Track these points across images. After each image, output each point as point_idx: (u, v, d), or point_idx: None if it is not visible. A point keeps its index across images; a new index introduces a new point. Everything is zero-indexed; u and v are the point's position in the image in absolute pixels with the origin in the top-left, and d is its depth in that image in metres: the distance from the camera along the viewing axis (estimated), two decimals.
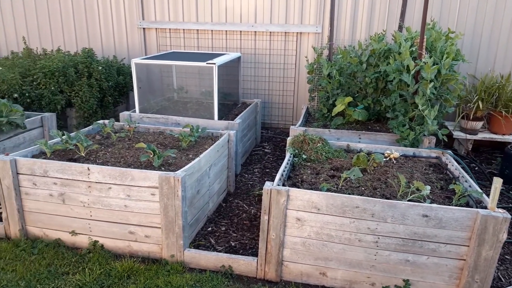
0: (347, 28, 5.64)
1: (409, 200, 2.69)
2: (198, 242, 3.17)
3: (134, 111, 4.70)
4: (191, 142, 3.66)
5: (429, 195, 2.80)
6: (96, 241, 3.05)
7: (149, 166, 3.10)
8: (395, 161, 3.42)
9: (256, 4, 5.77)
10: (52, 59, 4.65)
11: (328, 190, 2.80)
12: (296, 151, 3.50)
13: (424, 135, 4.04)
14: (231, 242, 3.20)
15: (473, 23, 5.32)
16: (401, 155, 3.62)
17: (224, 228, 3.41)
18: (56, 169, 2.93)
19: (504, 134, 5.22)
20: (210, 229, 3.40)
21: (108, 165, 3.08)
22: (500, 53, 5.38)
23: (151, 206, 2.88)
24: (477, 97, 5.06)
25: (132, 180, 2.85)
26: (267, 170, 4.81)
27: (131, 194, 2.89)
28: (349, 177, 2.95)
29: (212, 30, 5.96)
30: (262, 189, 4.24)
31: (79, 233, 3.08)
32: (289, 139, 3.69)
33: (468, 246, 2.52)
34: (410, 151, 3.69)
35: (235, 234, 3.32)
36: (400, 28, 4.95)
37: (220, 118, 4.58)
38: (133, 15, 6.10)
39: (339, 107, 4.61)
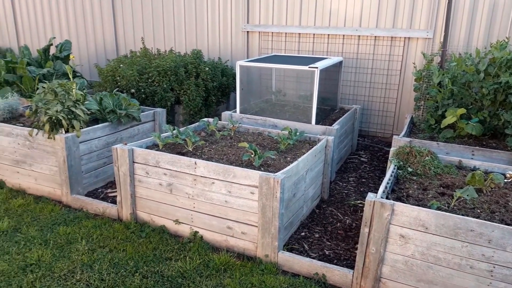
0: (462, 34, 5.19)
1: None
2: (292, 245, 3.17)
3: (235, 111, 4.86)
4: (289, 145, 3.67)
5: None
6: (196, 232, 3.21)
7: (249, 165, 3.18)
8: None
9: (362, 7, 5.60)
10: (165, 59, 5.04)
11: (438, 208, 2.59)
12: (401, 163, 3.30)
13: None
14: (325, 250, 3.14)
15: None
16: None
17: (317, 235, 3.36)
18: (167, 160, 3.15)
19: None
20: (303, 234, 3.37)
21: (212, 161, 3.22)
22: None
23: (250, 204, 2.95)
24: None
25: (234, 178, 2.94)
26: (363, 180, 4.63)
27: (232, 190, 2.98)
28: (463, 197, 2.69)
29: (314, 34, 5.94)
30: (357, 199, 4.10)
31: (182, 223, 3.27)
32: (393, 150, 3.50)
33: None
34: None
35: (329, 243, 3.25)
36: None
37: (317, 122, 4.53)
38: (239, 19, 6.34)
39: (449, 119, 4.25)
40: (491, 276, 2.37)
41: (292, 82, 4.79)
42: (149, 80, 4.85)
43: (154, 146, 3.56)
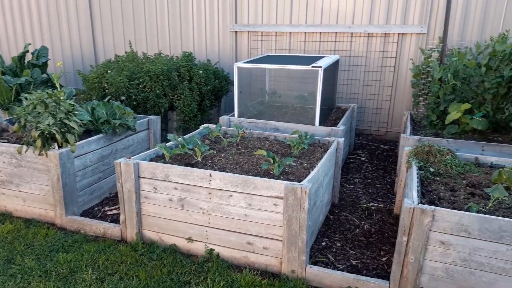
0: (456, 29, 5.16)
1: None
2: (316, 258, 2.97)
3: (233, 115, 4.63)
4: (303, 150, 3.48)
5: None
6: (212, 249, 2.97)
7: (267, 174, 2.96)
8: None
9: (355, 4, 5.49)
10: (156, 63, 4.74)
11: (478, 211, 2.46)
12: (422, 163, 3.17)
13: None
14: (351, 261, 2.96)
15: None
16: None
17: (339, 244, 3.18)
18: (177, 174, 2.89)
19: None
20: (324, 244, 3.19)
21: (226, 172, 2.99)
22: None
23: (273, 217, 2.73)
24: None
25: (255, 189, 2.72)
26: (368, 180, 4.50)
27: (252, 203, 2.76)
28: (500, 197, 2.58)
29: (305, 32, 5.78)
30: (368, 201, 3.96)
31: (196, 240, 3.01)
32: (409, 149, 3.37)
33: None
34: None
35: (353, 252, 3.07)
36: None
37: (320, 123, 4.37)
38: (226, 18, 6.10)
39: (454, 115, 4.18)
40: None
41: (294, 83, 4.61)
42: (140, 86, 4.54)
43: (158, 158, 3.28)
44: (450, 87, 4.35)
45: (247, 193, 2.75)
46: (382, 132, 5.95)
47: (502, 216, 2.43)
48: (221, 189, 2.81)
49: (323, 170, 3.17)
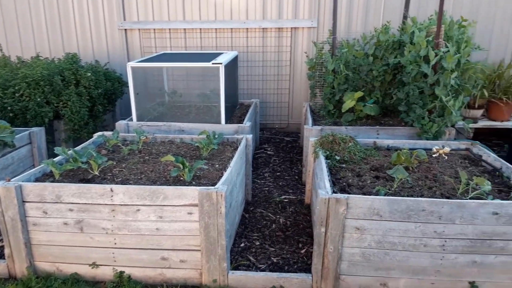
0: (343, 23, 5.47)
1: (472, 198, 2.52)
2: (238, 262, 2.85)
3: (131, 119, 4.27)
4: (213, 150, 3.32)
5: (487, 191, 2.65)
6: (121, 272, 2.65)
7: (177, 181, 2.74)
8: (446, 157, 3.26)
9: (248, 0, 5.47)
10: (34, 67, 4.12)
11: (386, 194, 2.58)
12: (328, 152, 3.25)
13: (447, 126, 3.93)
14: (272, 258, 2.90)
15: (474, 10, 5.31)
16: (428, 149, 3.47)
17: (258, 243, 3.10)
18: (72, 193, 2.50)
19: (503, 120, 5.23)
20: (243, 245, 3.08)
21: (129, 184, 2.69)
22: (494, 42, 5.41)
23: (188, 226, 2.53)
24: (480, 85, 5.03)
25: (165, 199, 2.49)
26: (277, 173, 4.53)
27: (164, 215, 2.52)
28: (404, 179, 2.73)
29: (201, 29, 5.60)
30: (280, 194, 3.97)
31: (101, 265, 2.66)
32: (314, 140, 3.43)
33: None
34: (438, 144, 3.55)
35: (273, 249, 3.02)
36: (405, 18, 4.82)
37: (226, 121, 4.26)
38: (113, 15, 5.61)
39: (349, 103, 4.42)
40: (443, 250, 2.44)
41: (192, 81, 4.40)
42: (17, 94, 3.90)
43: (46, 177, 2.82)
44: (343, 77, 4.58)
45: (157, 205, 2.50)
46: (284, 125, 6.08)
47: (407, 196, 2.58)
48: (126, 204, 2.51)
49: (236, 169, 3.05)
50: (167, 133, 4.12)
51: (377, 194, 2.60)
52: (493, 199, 2.50)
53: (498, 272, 2.47)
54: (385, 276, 2.55)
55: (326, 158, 3.20)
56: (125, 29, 5.64)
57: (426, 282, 2.54)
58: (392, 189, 2.68)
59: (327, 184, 2.59)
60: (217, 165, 3.05)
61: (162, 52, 5.34)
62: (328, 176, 2.77)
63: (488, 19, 5.33)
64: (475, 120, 5.20)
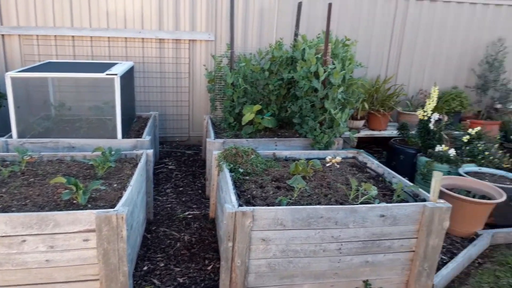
0: (239, 37, 5.62)
1: (362, 203, 2.77)
2: (142, 287, 2.69)
3: (11, 136, 3.78)
4: (110, 168, 3.10)
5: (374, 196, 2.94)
6: None
7: (70, 205, 2.49)
8: (337, 165, 3.51)
9: (143, 8, 5.29)
10: None
11: (288, 203, 2.69)
12: (232, 165, 3.28)
13: (335, 137, 4.27)
14: (178, 279, 2.81)
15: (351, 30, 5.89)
16: (321, 159, 3.73)
17: (163, 264, 2.98)
18: None
19: (381, 130, 5.90)
20: (146, 268, 2.93)
21: (12, 211, 2.36)
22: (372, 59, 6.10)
23: (84, 255, 2.32)
24: (362, 99, 5.60)
25: (56, 227, 2.24)
26: (180, 189, 4.43)
27: (56, 244, 2.27)
28: (302, 188, 2.89)
29: (91, 37, 5.23)
30: (184, 211, 3.89)
31: None
32: (218, 153, 3.45)
33: (417, 238, 2.72)
34: (329, 153, 3.84)
35: (178, 269, 2.93)
36: (296, 36, 5.15)
37: (123, 136, 4.03)
38: None
39: (248, 116, 4.54)
40: (340, 253, 2.64)
41: (83, 93, 4.06)
42: None
43: None
44: (242, 90, 4.69)
45: (47, 234, 2.24)
46: (184, 138, 5.99)
47: (307, 204, 2.73)
48: (9, 235, 2.20)
49: (136, 188, 2.90)
50: (55, 150, 3.75)
51: (279, 204, 2.71)
52: (379, 202, 2.78)
53: (387, 269, 2.75)
54: (290, 283, 2.65)
55: (230, 171, 3.23)
56: (2, 35, 5.00)
57: (326, 285, 2.70)
58: (293, 198, 2.81)
59: (233, 198, 2.61)
60: (115, 185, 2.86)
61: (47, 61, 4.85)
62: (234, 189, 2.80)
63: (366, 39, 5.97)
64: (358, 130, 5.77)
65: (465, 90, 6.25)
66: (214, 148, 4.02)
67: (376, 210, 2.60)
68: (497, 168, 4.24)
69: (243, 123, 4.57)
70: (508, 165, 4.36)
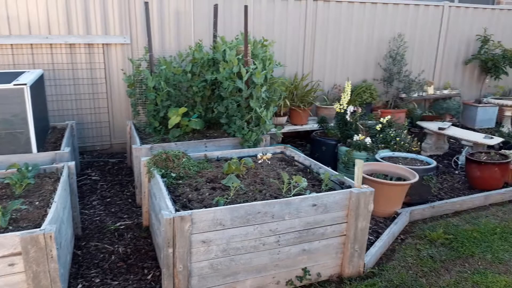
0: (157, 40, 5.50)
1: (294, 195, 2.90)
2: None
3: None
4: (29, 186, 2.85)
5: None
6: None
7: None
8: (268, 161, 3.61)
9: (49, 13, 4.93)
10: None
11: (225, 203, 2.72)
12: (163, 170, 3.22)
13: (263, 134, 4.40)
14: None
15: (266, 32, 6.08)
16: (252, 156, 3.83)
17: (98, 280, 2.83)
18: None
19: (302, 124, 6.19)
20: (80, 286, 2.75)
21: None
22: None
23: (11, 281, 2.12)
24: (283, 96, 5.82)
25: None
26: (107, 199, 4.22)
27: None
28: (238, 186, 2.93)
29: None
30: (115, 222, 3.72)
31: None
32: (147, 159, 3.35)
33: (347, 222, 2.92)
34: (259, 151, 3.94)
35: (116, 282, 2.80)
36: (215, 37, 5.18)
37: (38, 149, 3.73)
38: None
39: (174, 119, 4.49)
40: (279, 245, 2.74)
41: None
42: None
43: None
44: (165, 94, 4.61)
45: None
46: (106, 146, 5.71)
47: (244, 202, 2.78)
48: None
49: (61, 203, 2.71)
50: None
51: (217, 204, 2.72)
52: (310, 193, 2.94)
53: (322, 255, 2.92)
54: (233, 281, 2.68)
55: (162, 176, 3.17)
56: None
57: (268, 278, 2.79)
58: (230, 197, 2.85)
59: (169, 204, 2.57)
60: (37, 202, 2.65)
61: None
62: (168, 195, 2.75)
63: (281, 39, 6.21)
64: (282, 126, 5.99)
65: (373, 83, 6.81)
66: (141, 154, 3.90)
67: (308, 200, 2.74)
68: (408, 151, 4.71)
69: (169, 127, 4.50)
70: (416, 148, 4.87)
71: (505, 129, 6.73)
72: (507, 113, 6.88)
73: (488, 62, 7.40)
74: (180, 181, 3.17)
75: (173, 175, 3.20)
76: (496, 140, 5.10)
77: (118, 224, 3.67)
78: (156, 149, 3.97)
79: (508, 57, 7.29)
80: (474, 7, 7.46)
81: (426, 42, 7.25)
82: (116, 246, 3.29)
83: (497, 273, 3.04)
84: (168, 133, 4.59)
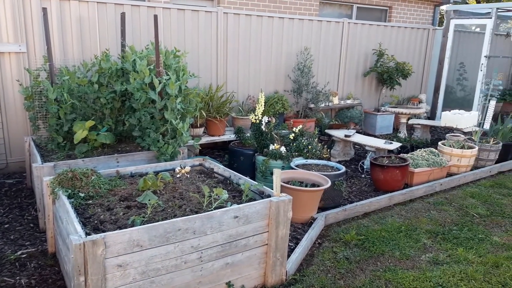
0: (57, 49, 5.07)
1: (215, 208, 2.85)
2: None
3: None
4: None
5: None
6: None
7: None
8: (187, 175, 3.49)
9: None
10: None
11: (141, 222, 2.56)
12: (70, 190, 2.93)
13: (180, 146, 4.27)
14: None
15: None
16: (170, 170, 3.69)
17: None
18: None
19: (220, 135, 6.18)
20: None
21: None
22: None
23: None
24: (199, 107, 5.74)
25: None
26: (5, 225, 3.74)
27: None
28: (156, 203, 2.78)
29: None
30: (15, 251, 3.29)
31: None
32: (50, 179, 3.03)
33: (268, 231, 2.95)
34: (177, 164, 3.82)
35: None
36: (124, 47, 4.93)
37: None
38: None
39: (81, 133, 4.15)
40: (201, 261, 2.66)
41: None
42: None
43: None
44: (69, 106, 4.25)
45: None
46: (2, 166, 5.08)
47: (162, 219, 2.65)
48: None
49: None
50: None
51: (133, 224, 2.55)
52: (231, 205, 2.90)
53: (246, 266, 2.89)
54: None
55: (69, 197, 2.88)
56: None
57: None
58: (147, 215, 2.69)
59: (78, 227, 2.34)
60: None
61: None
62: (77, 218, 2.51)
63: (193, 50, 6.15)
64: (199, 138, 5.90)
65: (285, 94, 7.07)
66: (43, 173, 3.52)
67: (230, 212, 2.71)
68: (319, 158, 4.95)
69: (75, 142, 4.14)
70: (327, 155, 5.14)
71: (401, 135, 7.46)
72: (403, 120, 7.63)
73: (384, 74, 8.16)
74: (90, 201, 2.92)
75: (82, 195, 2.94)
76: (395, 145, 5.61)
77: (19, 252, 3.26)
78: (60, 167, 3.62)
79: (400, 70, 8.12)
80: (370, 24, 8.19)
81: (330, 56, 7.75)
82: (18, 278, 2.90)
83: (405, 269, 3.30)
84: (74, 149, 4.22)
